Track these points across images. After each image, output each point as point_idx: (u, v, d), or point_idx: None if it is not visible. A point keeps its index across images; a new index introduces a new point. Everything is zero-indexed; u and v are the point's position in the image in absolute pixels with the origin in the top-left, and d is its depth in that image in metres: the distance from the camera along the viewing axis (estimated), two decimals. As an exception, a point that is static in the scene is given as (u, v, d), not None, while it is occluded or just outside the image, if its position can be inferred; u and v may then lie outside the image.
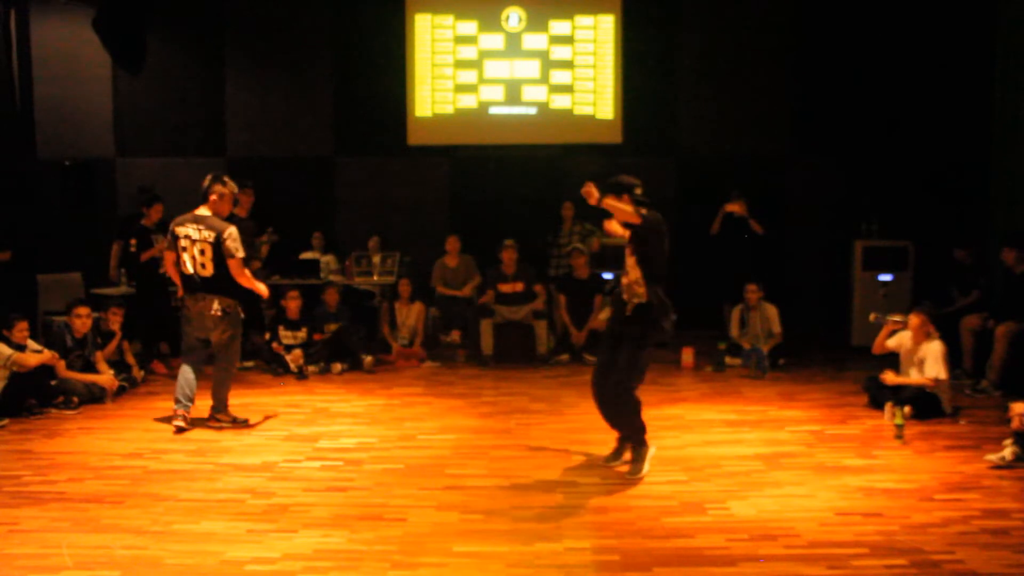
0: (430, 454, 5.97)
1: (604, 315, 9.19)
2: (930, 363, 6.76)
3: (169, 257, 6.55)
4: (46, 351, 7.11)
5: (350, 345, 8.72)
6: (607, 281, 9.58)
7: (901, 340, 7.05)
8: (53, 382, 7.13)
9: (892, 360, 7.21)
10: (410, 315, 9.37)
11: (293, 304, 8.76)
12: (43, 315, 9.02)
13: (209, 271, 6.33)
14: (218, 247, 6.28)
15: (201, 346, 6.63)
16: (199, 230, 6.33)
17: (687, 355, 8.90)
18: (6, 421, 6.65)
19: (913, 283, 9.78)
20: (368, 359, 8.62)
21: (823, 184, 11.02)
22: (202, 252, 6.31)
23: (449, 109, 11.19)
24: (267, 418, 6.86)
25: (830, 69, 10.85)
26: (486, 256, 9.90)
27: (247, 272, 6.47)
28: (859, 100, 10.79)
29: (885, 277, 9.85)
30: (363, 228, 10.91)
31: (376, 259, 10.46)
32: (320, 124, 11.30)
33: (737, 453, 5.93)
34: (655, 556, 4.23)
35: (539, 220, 10.61)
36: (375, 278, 10.26)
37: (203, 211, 6.40)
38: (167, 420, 6.59)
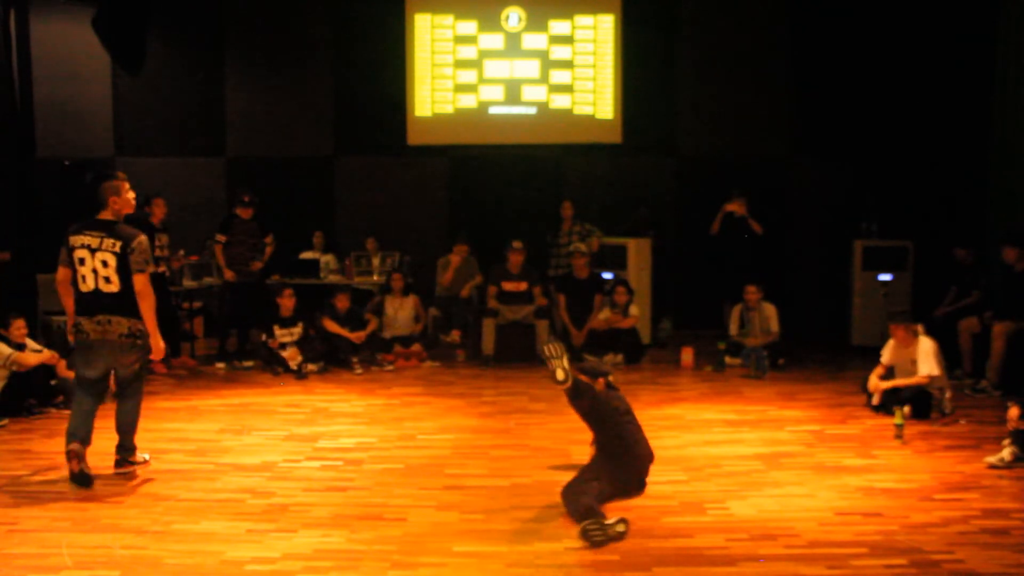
0: (430, 454, 5.96)
1: (604, 315, 9.20)
2: (921, 360, 6.76)
3: (63, 275, 5.38)
4: (46, 351, 7.10)
5: (341, 351, 8.81)
6: (607, 281, 9.58)
7: (892, 353, 7.03)
8: (53, 382, 7.12)
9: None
10: (403, 307, 9.45)
11: (288, 303, 8.79)
12: (43, 315, 9.02)
13: (115, 285, 5.28)
14: (124, 259, 5.28)
15: (96, 381, 5.40)
16: (101, 239, 5.28)
17: (687, 355, 8.91)
18: (6, 421, 6.64)
19: (913, 283, 9.79)
20: (358, 369, 8.67)
21: (823, 184, 11.03)
22: (104, 264, 5.26)
23: (449, 109, 11.19)
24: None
25: (830, 69, 10.86)
26: (486, 256, 9.90)
27: (151, 296, 5.36)
28: (859, 100, 10.80)
29: (885, 277, 9.86)
30: (363, 228, 10.93)
31: (376, 259, 10.47)
32: (320, 124, 11.31)
33: (737, 453, 5.93)
34: (655, 556, 4.23)
35: (539, 220, 10.62)
36: (375, 278, 10.26)
37: (106, 216, 5.37)
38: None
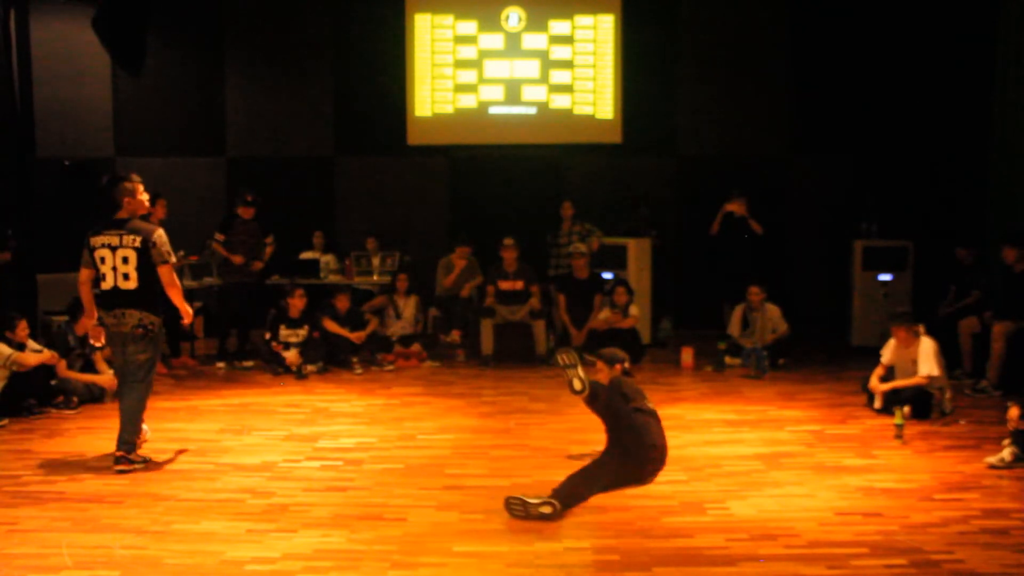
0: (430, 454, 5.97)
1: (604, 315, 9.20)
2: (921, 361, 6.76)
3: (85, 276, 5.69)
4: (46, 351, 7.10)
5: (341, 351, 8.81)
6: (607, 281, 9.58)
7: (892, 353, 7.04)
8: (53, 382, 7.13)
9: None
10: (407, 307, 9.50)
11: (298, 303, 8.77)
12: (43, 315, 9.02)
13: (133, 282, 5.54)
14: (145, 253, 5.55)
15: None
16: (120, 236, 5.55)
17: (687, 355, 8.91)
18: (6, 421, 6.65)
19: (913, 283, 9.78)
20: (358, 369, 8.67)
21: (823, 184, 11.03)
22: (125, 260, 5.53)
23: (449, 109, 11.19)
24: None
25: (830, 68, 10.85)
26: (486, 256, 9.90)
27: (178, 282, 5.73)
28: (859, 100, 10.79)
29: (885, 277, 9.85)
30: (363, 228, 10.93)
31: (376, 259, 10.47)
32: (320, 124, 11.31)
33: (737, 453, 5.93)
34: (655, 556, 4.23)
35: (539, 220, 10.62)
36: (375, 278, 10.26)
37: (122, 216, 5.63)
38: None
